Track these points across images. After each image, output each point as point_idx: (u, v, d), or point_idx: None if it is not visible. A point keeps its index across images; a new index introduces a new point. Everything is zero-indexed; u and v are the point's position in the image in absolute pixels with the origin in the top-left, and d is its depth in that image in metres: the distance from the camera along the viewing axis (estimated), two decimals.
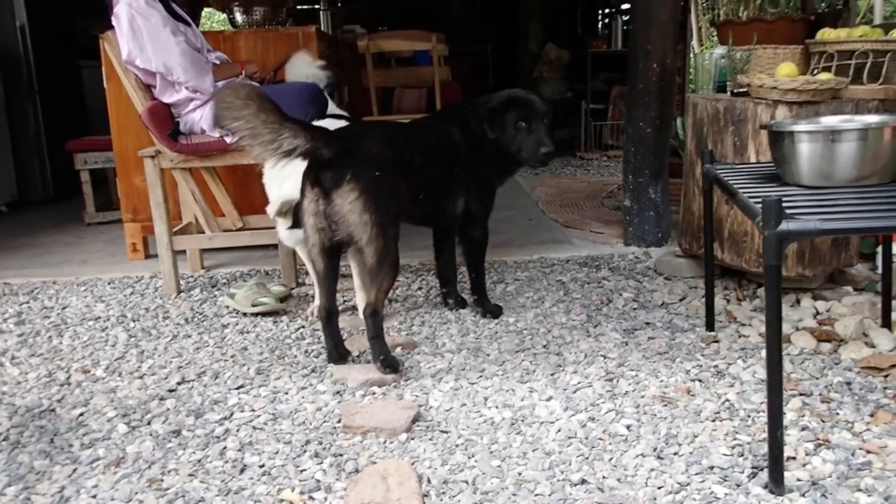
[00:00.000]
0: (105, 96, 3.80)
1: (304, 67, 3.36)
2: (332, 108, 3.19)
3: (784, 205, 1.55)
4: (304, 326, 2.75)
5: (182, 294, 3.22)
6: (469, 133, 2.64)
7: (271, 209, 2.69)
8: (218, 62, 3.36)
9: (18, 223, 5.07)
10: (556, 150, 2.68)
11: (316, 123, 2.45)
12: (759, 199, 1.57)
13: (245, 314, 2.89)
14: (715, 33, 3.44)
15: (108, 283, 3.41)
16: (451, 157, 2.59)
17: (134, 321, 2.90)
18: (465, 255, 2.77)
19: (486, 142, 2.65)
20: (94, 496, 1.70)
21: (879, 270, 2.72)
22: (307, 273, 3.41)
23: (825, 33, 2.87)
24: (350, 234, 2.20)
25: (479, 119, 2.65)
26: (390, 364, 2.24)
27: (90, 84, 6.14)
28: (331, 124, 2.53)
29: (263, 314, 2.87)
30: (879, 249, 2.84)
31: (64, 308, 3.10)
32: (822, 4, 3.62)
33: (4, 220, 5.28)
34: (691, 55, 3.25)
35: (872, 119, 2.04)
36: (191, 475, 1.77)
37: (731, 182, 2.02)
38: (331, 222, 2.20)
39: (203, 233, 3.43)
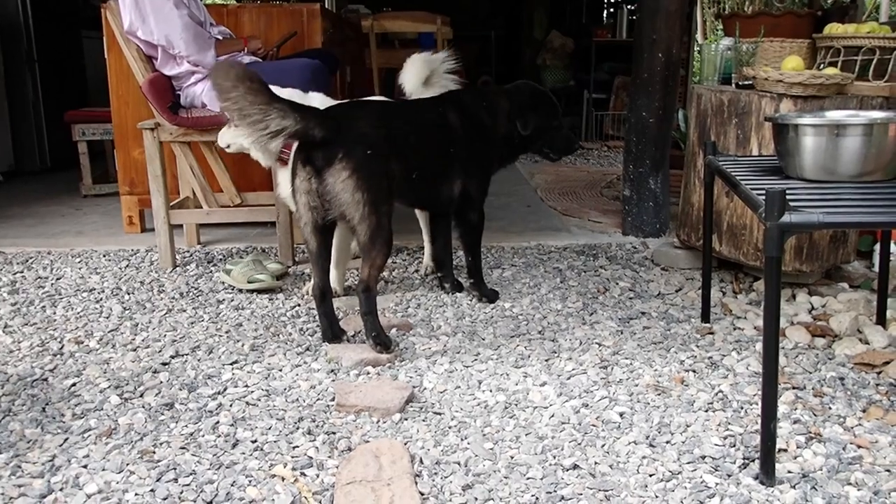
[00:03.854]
0: (106, 67, 3.77)
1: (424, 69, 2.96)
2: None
3: (787, 197, 1.55)
4: (299, 304, 2.75)
5: (178, 268, 3.21)
6: (470, 118, 2.61)
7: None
8: (221, 37, 3.34)
9: (14, 193, 5.04)
10: None
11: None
12: (762, 191, 1.57)
13: (241, 290, 2.88)
14: (720, 26, 3.42)
15: (104, 256, 3.40)
16: (448, 140, 2.55)
17: (129, 294, 2.88)
18: (462, 239, 2.76)
19: (488, 130, 2.65)
20: (84, 466, 1.70)
21: (876, 268, 2.73)
22: (304, 251, 3.41)
23: (832, 28, 2.85)
24: (342, 213, 2.19)
25: (488, 109, 2.66)
26: (382, 342, 2.24)
27: (91, 55, 6.11)
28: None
29: (259, 291, 2.86)
30: (877, 247, 2.84)
31: (58, 279, 3.08)
32: (829, 0, 3.60)
33: (1, 189, 5.25)
34: (696, 47, 3.23)
35: (877, 115, 2.03)
36: (183, 448, 1.77)
37: (733, 174, 2.01)
38: (323, 201, 2.20)
39: (200, 207, 3.41)
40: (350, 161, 2.15)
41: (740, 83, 2.80)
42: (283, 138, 2.11)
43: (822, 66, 2.82)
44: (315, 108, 2.25)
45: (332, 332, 2.38)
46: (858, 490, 1.58)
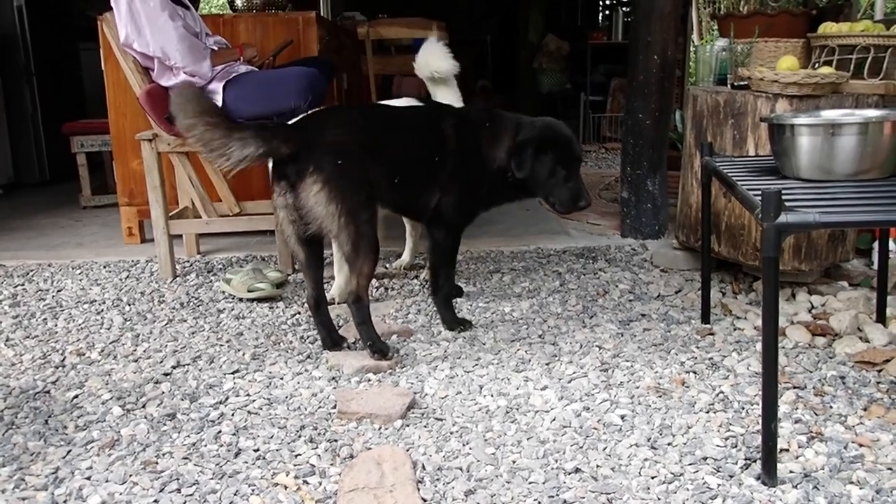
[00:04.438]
0: (103, 79, 3.78)
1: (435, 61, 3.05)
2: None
3: (783, 197, 1.55)
4: (299, 312, 2.75)
5: (178, 279, 3.21)
6: (467, 136, 2.46)
7: None
8: (216, 47, 3.34)
9: (14, 205, 5.05)
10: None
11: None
12: (759, 192, 1.57)
13: (241, 299, 2.89)
14: (715, 26, 3.43)
15: (104, 267, 3.40)
16: (436, 149, 2.42)
17: (129, 305, 2.89)
18: (428, 253, 2.61)
19: (482, 156, 2.47)
20: (88, 477, 1.70)
21: (875, 266, 2.73)
22: None
23: (827, 27, 2.86)
24: (320, 226, 2.19)
25: (491, 135, 2.46)
26: (379, 349, 2.25)
27: (88, 66, 6.11)
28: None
29: (259, 300, 2.87)
30: (875, 245, 2.85)
31: (59, 291, 3.09)
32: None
33: (0, 202, 5.26)
34: (691, 48, 3.24)
35: (873, 113, 2.03)
36: (185, 458, 1.77)
37: (730, 175, 2.01)
38: (300, 215, 2.19)
39: (199, 217, 3.42)
40: (320, 174, 2.14)
41: (736, 84, 2.81)
42: (250, 162, 2.12)
43: (816, 65, 2.83)
44: (282, 125, 2.26)
45: (332, 339, 2.38)
46: (861, 489, 1.58)
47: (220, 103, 3.10)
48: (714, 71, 3.02)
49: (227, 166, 2.12)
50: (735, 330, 2.48)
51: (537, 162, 2.43)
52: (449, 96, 3.07)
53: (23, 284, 3.18)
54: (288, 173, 2.18)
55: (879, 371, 2.13)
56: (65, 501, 1.62)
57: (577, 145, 2.50)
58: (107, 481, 1.68)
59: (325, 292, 2.47)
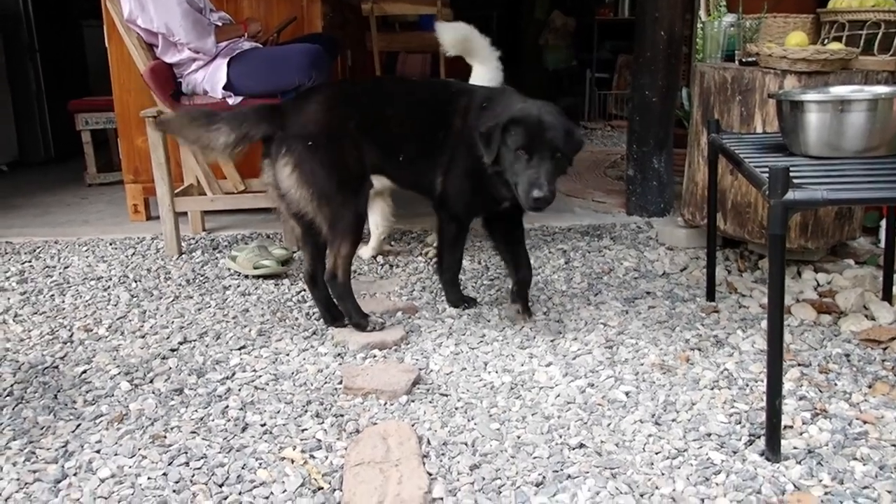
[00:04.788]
0: (107, 56, 3.76)
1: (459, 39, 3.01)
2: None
3: (790, 174, 1.55)
4: (304, 289, 2.75)
5: (183, 256, 3.22)
6: (465, 120, 2.30)
7: None
8: (220, 23, 3.32)
9: (20, 183, 5.05)
10: (553, 194, 2.07)
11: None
12: (766, 169, 1.56)
13: (246, 276, 2.90)
14: (723, 2, 3.39)
15: (110, 244, 3.41)
16: (434, 127, 2.31)
17: (136, 282, 2.90)
18: (436, 234, 2.54)
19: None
20: (97, 451, 1.72)
21: (882, 244, 2.72)
22: None
23: (837, 2, 2.83)
24: (298, 207, 2.20)
25: (486, 115, 2.23)
26: (357, 322, 2.29)
27: (91, 43, 6.08)
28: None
29: (265, 276, 2.87)
30: (883, 223, 2.83)
31: (66, 267, 3.10)
32: None
33: (6, 179, 5.27)
34: (699, 24, 3.21)
35: (882, 90, 2.02)
36: (193, 432, 1.79)
37: (737, 151, 2.00)
38: (280, 195, 2.22)
39: (205, 195, 3.42)
40: (291, 156, 2.16)
41: (744, 60, 2.78)
42: (233, 148, 2.18)
43: (826, 41, 2.80)
44: (259, 108, 2.27)
45: (331, 314, 2.39)
46: (864, 465, 1.59)
47: (224, 80, 3.09)
48: (722, 47, 2.99)
49: (214, 156, 2.27)
50: (740, 308, 2.48)
51: (503, 145, 2.11)
52: (481, 74, 3.01)
53: (30, 261, 3.19)
54: (270, 153, 2.21)
55: (885, 349, 2.13)
56: (75, 474, 1.63)
57: (554, 132, 2.08)
58: (116, 454, 1.70)
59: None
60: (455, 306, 2.54)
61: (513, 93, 2.35)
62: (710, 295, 2.55)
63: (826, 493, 1.50)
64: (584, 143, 2.24)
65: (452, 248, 2.49)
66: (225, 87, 3.10)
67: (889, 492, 1.49)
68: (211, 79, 3.13)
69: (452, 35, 2.99)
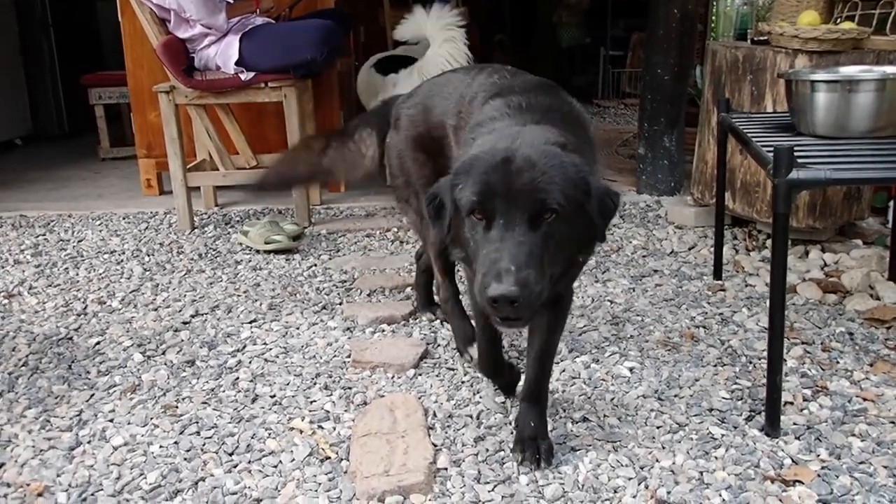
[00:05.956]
0: (120, 30, 3.78)
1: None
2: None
3: (797, 154, 1.55)
4: (315, 265, 2.79)
5: (196, 230, 3.26)
6: None
7: None
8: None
9: (34, 157, 5.10)
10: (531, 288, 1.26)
11: None
12: (772, 148, 1.57)
13: (258, 251, 2.93)
14: None
15: (123, 218, 3.45)
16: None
17: (148, 255, 2.94)
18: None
19: None
20: (110, 420, 1.77)
21: (890, 224, 2.72)
22: (319, 212, 3.45)
23: None
24: None
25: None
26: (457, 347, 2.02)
27: (105, 18, 6.10)
28: None
29: (276, 252, 2.91)
30: (891, 203, 2.83)
31: (80, 241, 3.15)
32: None
33: (20, 153, 5.32)
34: (713, 1, 3.19)
35: (891, 70, 2.01)
36: (204, 403, 1.83)
37: (745, 131, 2.01)
38: None
39: (217, 170, 3.45)
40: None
41: (756, 39, 2.77)
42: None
43: (839, 20, 2.78)
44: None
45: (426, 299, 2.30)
46: (862, 441, 1.61)
47: (236, 56, 3.10)
48: (734, 25, 2.98)
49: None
50: (746, 286, 2.49)
51: (456, 212, 1.39)
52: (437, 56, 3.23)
53: (44, 234, 3.24)
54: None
55: (888, 328, 2.14)
56: (88, 442, 1.68)
57: (538, 176, 1.30)
58: (129, 423, 1.74)
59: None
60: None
61: (544, 95, 1.66)
62: (717, 273, 2.56)
63: (823, 468, 1.52)
64: (618, 207, 1.49)
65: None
66: (237, 63, 3.12)
67: (885, 467, 1.51)
68: (223, 54, 3.15)
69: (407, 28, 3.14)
